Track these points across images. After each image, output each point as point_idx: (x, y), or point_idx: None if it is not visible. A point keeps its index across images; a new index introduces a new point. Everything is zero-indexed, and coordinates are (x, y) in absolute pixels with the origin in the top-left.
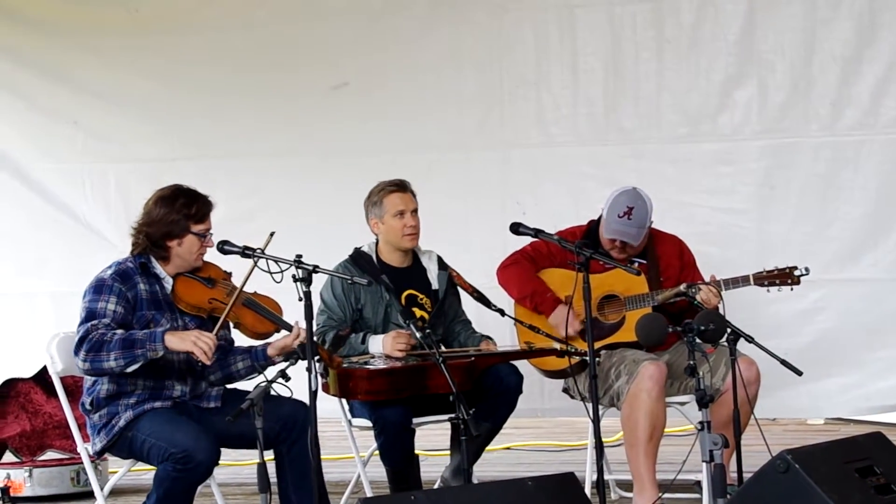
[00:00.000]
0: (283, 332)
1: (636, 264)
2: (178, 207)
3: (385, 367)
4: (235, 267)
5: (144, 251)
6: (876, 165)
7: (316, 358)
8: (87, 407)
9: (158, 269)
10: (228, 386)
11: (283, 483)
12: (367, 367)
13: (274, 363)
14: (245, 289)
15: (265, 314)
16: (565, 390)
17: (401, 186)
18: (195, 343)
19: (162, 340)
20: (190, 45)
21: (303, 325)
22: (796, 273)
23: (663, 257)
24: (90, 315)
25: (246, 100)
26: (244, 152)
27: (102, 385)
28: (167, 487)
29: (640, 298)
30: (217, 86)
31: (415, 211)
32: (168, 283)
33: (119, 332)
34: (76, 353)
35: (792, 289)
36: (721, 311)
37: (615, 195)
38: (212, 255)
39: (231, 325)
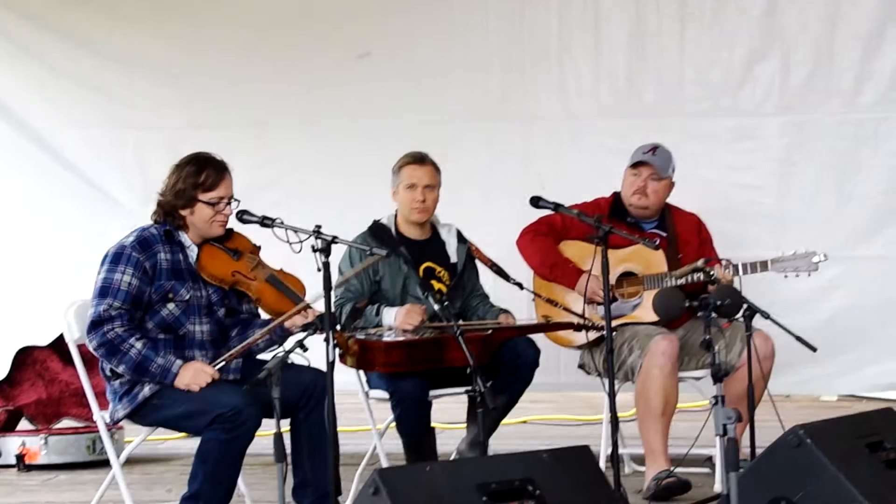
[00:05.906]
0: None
1: (657, 241)
2: (185, 176)
3: (403, 339)
4: (254, 235)
5: (165, 220)
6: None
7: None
8: (108, 374)
9: (183, 237)
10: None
11: (297, 451)
12: (384, 339)
13: (291, 333)
14: (270, 265)
15: (286, 292)
16: (581, 366)
17: (418, 159)
18: (190, 383)
19: (172, 382)
20: (212, 12)
21: (319, 306)
22: (814, 259)
23: (682, 234)
24: (104, 290)
25: (268, 67)
26: (265, 120)
27: None
28: (216, 456)
29: (659, 278)
30: (239, 53)
31: (429, 186)
32: (192, 252)
33: (136, 347)
34: (88, 332)
35: (809, 275)
36: (737, 286)
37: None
38: (241, 228)
39: (252, 299)
